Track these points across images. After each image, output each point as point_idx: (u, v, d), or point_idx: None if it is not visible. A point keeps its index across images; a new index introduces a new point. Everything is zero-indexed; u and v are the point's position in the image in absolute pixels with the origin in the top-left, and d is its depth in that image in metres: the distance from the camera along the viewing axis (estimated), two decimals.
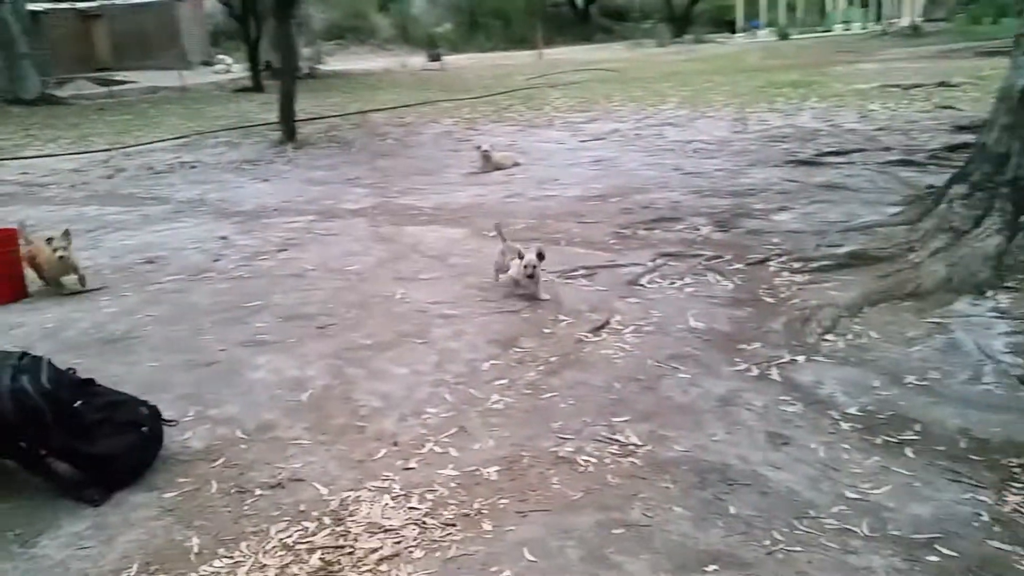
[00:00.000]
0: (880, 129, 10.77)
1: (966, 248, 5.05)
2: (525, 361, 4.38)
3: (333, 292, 5.66)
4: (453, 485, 3.22)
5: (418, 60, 35.14)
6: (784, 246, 5.99)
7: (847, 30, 39.68)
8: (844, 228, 6.23)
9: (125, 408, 3.42)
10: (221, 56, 35.61)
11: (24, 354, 3.28)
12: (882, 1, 41.60)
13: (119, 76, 28.99)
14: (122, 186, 10.31)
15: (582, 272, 5.71)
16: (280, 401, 4.02)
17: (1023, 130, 5.35)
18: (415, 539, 2.88)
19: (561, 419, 3.72)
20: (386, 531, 2.93)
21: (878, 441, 3.40)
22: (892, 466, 3.20)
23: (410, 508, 3.07)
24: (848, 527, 2.84)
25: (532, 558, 2.74)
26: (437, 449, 3.51)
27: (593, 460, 3.36)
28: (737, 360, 4.26)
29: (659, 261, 5.89)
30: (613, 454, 3.40)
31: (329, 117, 16.57)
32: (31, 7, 28.52)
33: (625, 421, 3.67)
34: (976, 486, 3.04)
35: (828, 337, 4.46)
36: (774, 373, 4.09)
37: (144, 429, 3.37)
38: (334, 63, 36.13)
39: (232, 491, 3.24)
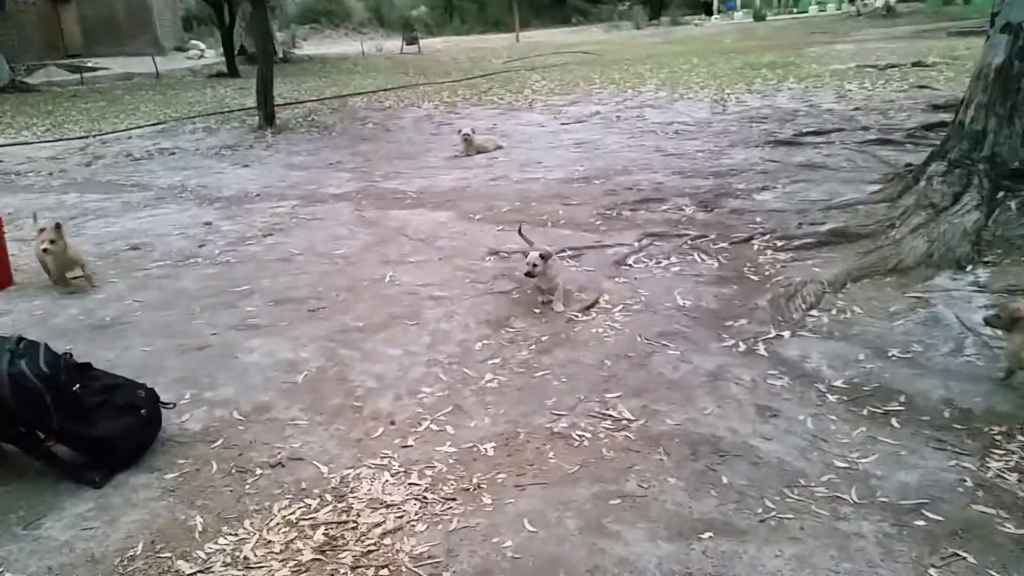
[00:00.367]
0: (857, 109, 10.90)
1: (945, 224, 5.16)
2: (517, 340, 4.44)
3: (321, 276, 5.68)
4: (451, 461, 3.28)
5: (394, 44, 34.89)
6: (767, 225, 6.08)
7: (822, 11, 39.93)
8: (825, 206, 6.32)
9: (123, 391, 3.43)
10: (194, 42, 35.15)
11: (21, 338, 3.29)
12: None
13: (90, 63, 28.47)
14: (101, 173, 10.20)
15: (569, 253, 5.76)
16: (275, 383, 4.05)
17: (999, 108, 5.46)
18: (417, 513, 2.93)
19: (555, 396, 3.78)
20: (388, 506, 2.98)
21: (864, 412, 3.49)
22: (878, 436, 3.30)
23: (410, 484, 3.12)
24: (838, 495, 2.93)
25: (532, 528, 2.81)
26: (434, 427, 3.57)
27: (587, 435, 3.43)
28: (724, 336, 4.34)
29: (645, 241, 5.96)
30: (607, 429, 3.47)
31: (307, 102, 16.47)
32: None
33: (617, 397, 3.74)
34: (960, 453, 3.14)
35: (813, 313, 4.55)
36: (761, 348, 4.17)
37: (143, 412, 3.39)
38: (308, 47, 35.86)
39: (233, 471, 3.28)
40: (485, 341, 4.45)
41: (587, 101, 14.05)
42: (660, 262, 5.55)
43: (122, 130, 13.79)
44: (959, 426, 3.33)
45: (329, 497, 3.06)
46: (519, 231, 5.36)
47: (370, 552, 2.72)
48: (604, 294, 5.00)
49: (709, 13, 44.97)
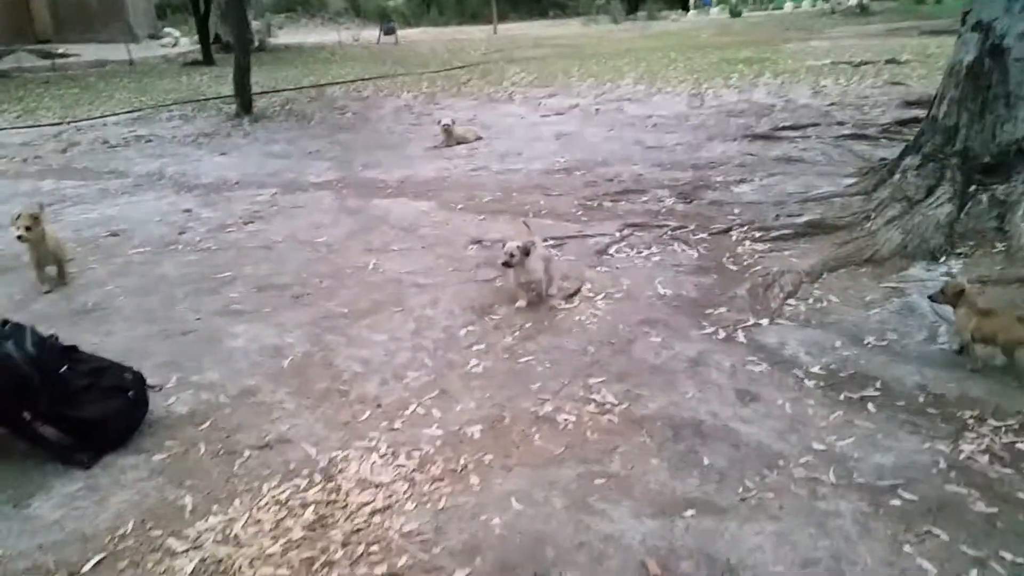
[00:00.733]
0: (833, 104, 11.04)
1: (919, 216, 5.28)
2: (501, 327, 4.49)
3: (304, 263, 5.69)
4: (438, 443, 3.33)
5: (371, 34, 34.69)
6: (745, 216, 6.18)
7: (797, 8, 40.25)
8: (802, 199, 6.43)
9: (110, 373, 3.44)
10: (168, 29, 34.66)
11: (6, 321, 3.28)
12: None
13: (62, 49, 27.98)
14: (77, 160, 10.08)
15: (551, 243, 5.80)
16: (261, 367, 4.07)
17: (970, 103, 5.59)
18: (405, 493, 2.98)
19: (539, 381, 3.84)
20: (376, 486, 3.02)
21: (841, 397, 3.58)
22: (855, 420, 3.39)
23: (398, 465, 3.17)
24: (816, 476, 3.02)
25: (520, 507, 2.87)
26: (420, 411, 3.61)
27: (572, 418, 3.49)
28: (704, 324, 4.42)
29: (626, 231, 6.03)
30: (591, 412, 3.54)
31: (285, 90, 16.36)
32: None
33: (601, 382, 3.80)
34: (934, 436, 3.24)
35: (790, 302, 4.65)
36: (740, 336, 4.25)
37: (130, 394, 3.40)
38: (284, 36, 35.53)
39: (221, 452, 3.30)
40: (470, 327, 4.49)
41: (566, 94, 14.10)
42: (641, 252, 5.63)
43: (97, 117, 13.62)
44: (933, 410, 3.44)
45: (318, 477, 3.10)
46: (524, 222, 5.37)
47: (360, 530, 2.77)
48: (586, 283, 5.07)
49: (686, 9, 45.19)
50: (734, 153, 8.49)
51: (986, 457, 3.07)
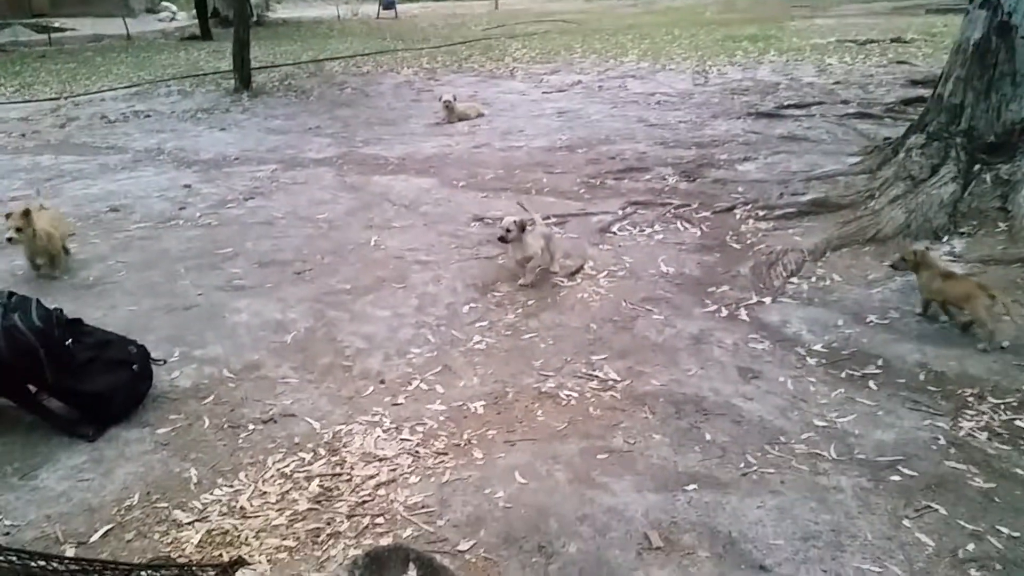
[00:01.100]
0: (837, 83, 10.98)
1: (923, 196, 5.27)
2: (504, 304, 4.49)
3: (306, 239, 5.68)
4: (442, 419, 3.34)
5: (370, 8, 34.38)
6: (749, 195, 6.16)
7: None
8: (806, 178, 6.41)
9: (115, 347, 3.45)
10: (165, 3, 34.36)
11: (12, 293, 3.28)
12: None
13: (58, 23, 27.77)
14: (76, 135, 10.03)
15: (554, 220, 5.79)
16: (264, 342, 4.08)
17: (976, 82, 5.55)
18: (410, 466, 3.00)
19: (542, 357, 3.85)
20: (381, 460, 3.04)
21: (842, 375, 3.60)
22: (856, 397, 3.41)
23: (402, 439, 3.19)
24: (817, 451, 3.04)
25: (523, 480, 2.89)
26: (423, 386, 3.63)
27: (575, 394, 3.51)
28: (707, 302, 4.43)
29: (629, 210, 6.02)
30: (593, 389, 3.55)
31: (284, 65, 16.24)
32: None
33: (603, 359, 3.82)
34: (934, 414, 3.26)
35: (793, 280, 4.65)
36: (743, 313, 4.27)
37: (134, 367, 3.41)
38: (283, 11, 35.21)
39: (225, 426, 3.32)
40: (472, 304, 4.50)
41: (569, 70, 14.01)
42: (644, 230, 5.62)
43: (95, 92, 13.53)
44: (933, 388, 3.46)
45: (322, 451, 3.12)
46: (519, 203, 5.36)
47: (365, 502, 2.79)
48: (589, 260, 5.06)
49: None
50: (738, 131, 8.45)
51: (985, 434, 3.10)
